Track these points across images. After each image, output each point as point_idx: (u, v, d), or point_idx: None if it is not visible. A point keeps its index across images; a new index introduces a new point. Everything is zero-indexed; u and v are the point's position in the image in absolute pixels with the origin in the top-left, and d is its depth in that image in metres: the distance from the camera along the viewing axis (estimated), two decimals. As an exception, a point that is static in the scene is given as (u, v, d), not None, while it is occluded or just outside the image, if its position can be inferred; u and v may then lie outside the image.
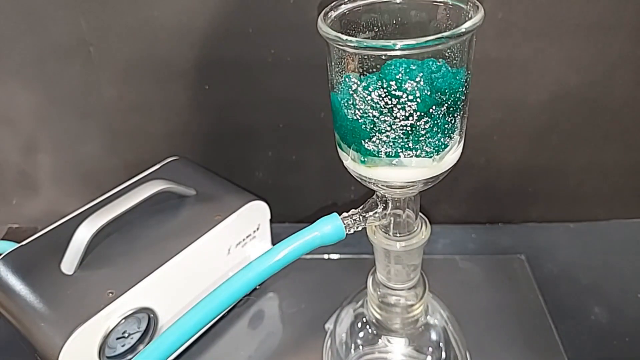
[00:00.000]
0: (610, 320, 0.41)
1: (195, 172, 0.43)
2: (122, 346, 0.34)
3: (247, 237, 0.40)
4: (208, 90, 0.45)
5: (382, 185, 0.26)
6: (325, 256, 0.47)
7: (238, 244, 0.39)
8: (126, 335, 0.34)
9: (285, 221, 0.53)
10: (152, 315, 0.34)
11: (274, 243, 0.43)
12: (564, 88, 0.44)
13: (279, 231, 0.49)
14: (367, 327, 0.33)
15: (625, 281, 0.44)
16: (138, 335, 0.34)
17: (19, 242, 0.37)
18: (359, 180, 0.27)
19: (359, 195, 0.52)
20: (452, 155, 0.25)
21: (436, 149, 0.24)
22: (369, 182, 0.26)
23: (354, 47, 0.22)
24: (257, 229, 0.41)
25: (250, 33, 0.42)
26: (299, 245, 0.27)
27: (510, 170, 0.49)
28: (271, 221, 0.42)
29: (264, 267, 0.27)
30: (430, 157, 0.24)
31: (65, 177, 0.52)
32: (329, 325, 0.39)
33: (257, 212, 0.40)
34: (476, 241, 0.49)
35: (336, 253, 0.48)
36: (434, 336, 0.33)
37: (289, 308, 0.43)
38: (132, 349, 0.34)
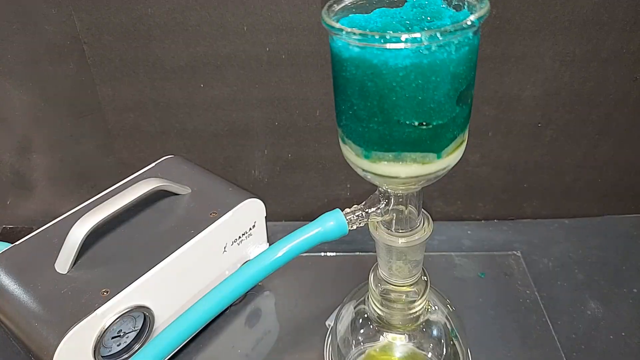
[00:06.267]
0: (606, 315, 0.41)
1: (191, 170, 0.43)
2: (118, 345, 0.34)
3: (243, 235, 0.40)
4: (203, 88, 0.45)
5: (385, 181, 0.25)
6: (322, 254, 0.47)
7: (234, 242, 0.39)
8: (121, 334, 0.33)
9: (282, 219, 0.53)
10: (147, 313, 0.34)
11: (270, 241, 0.43)
12: (557, 84, 0.44)
13: (275, 229, 0.49)
14: (369, 323, 0.33)
15: (620, 276, 0.44)
16: (134, 334, 0.34)
17: (13, 243, 0.37)
18: (362, 175, 0.26)
19: (355, 193, 0.52)
20: (456, 151, 0.25)
21: (441, 144, 0.23)
22: (372, 177, 0.26)
23: (357, 40, 0.21)
24: (253, 226, 0.41)
25: (245, 31, 0.42)
26: (302, 241, 0.27)
27: (505, 166, 0.49)
28: (267, 219, 0.42)
29: (266, 263, 0.27)
30: (435, 152, 0.24)
31: (60, 176, 0.52)
32: (329, 322, 0.39)
33: (252, 210, 0.40)
34: (472, 237, 0.49)
35: (332, 251, 0.48)
36: (435, 333, 0.33)
37: (285, 306, 0.43)
38: (128, 348, 0.34)
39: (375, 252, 0.31)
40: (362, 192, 0.51)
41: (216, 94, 0.46)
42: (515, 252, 0.47)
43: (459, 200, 0.51)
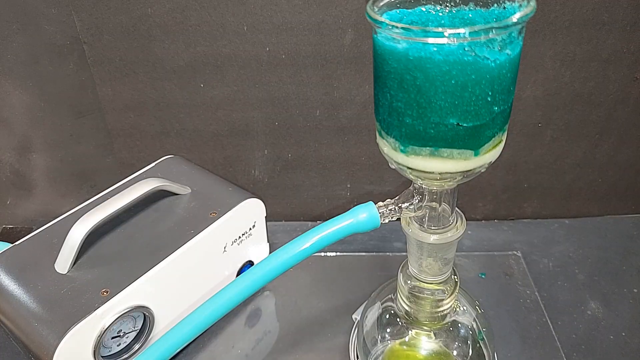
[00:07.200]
0: (606, 315, 0.41)
1: (191, 170, 0.43)
2: (118, 345, 0.34)
3: (243, 234, 0.40)
4: (203, 88, 0.45)
5: (420, 175, 0.25)
6: (322, 254, 0.47)
7: (234, 241, 0.39)
8: (121, 334, 0.33)
9: (282, 219, 0.53)
10: (147, 313, 0.34)
11: (270, 241, 0.43)
12: (558, 84, 0.44)
13: (275, 229, 0.49)
14: (396, 319, 0.33)
15: (620, 276, 0.44)
16: (134, 334, 0.34)
17: (13, 243, 0.37)
18: (397, 169, 0.26)
19: (355, 193, 0.52)
20: (494, 149, 0.24)
21: (479, 142, 0.23)
22: (407, 171, 0.26)
23: (399, 34, 0.21)
24: (253, 226, 0.41)
25: (245, 31, 0.42)
26: (333, 232, 0.27)
27: (505, 166, 0.49)
28: (267, 219, 0.42)
29: (296, 251, 0.27)
30: (472, 149, 0.23)
31: (60, 176, 0.51)
32: (356, 316, 0.39)
33: (252, 210, 0.40)
34: (472, 237, 0.49)
35: (333, 251, 0.48)
36: (461, 333, 0.33)
37: (285, 306, 0.42)
38: (128, 348, 0.34)
39: (406, 248, 0.31)
40: (363, 192, 0.51)
41: (216, 94, 0.46)
42: (515, 252, 0.47)
43: (458, 199, 0.51)
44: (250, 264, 0.42)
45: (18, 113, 0.47)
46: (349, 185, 0.51)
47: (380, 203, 0.28)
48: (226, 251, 0.39)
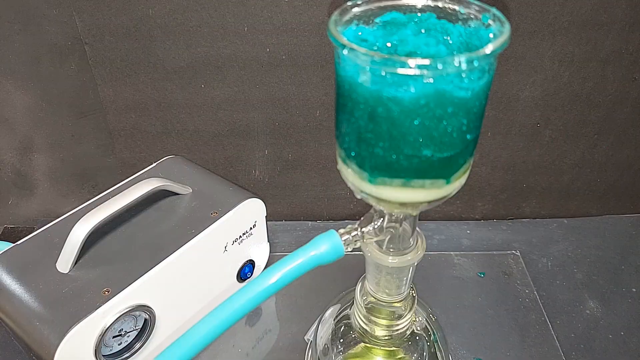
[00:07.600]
0: (604, 315, 0.41)
1: (192, 170, 0.43)
2: (119, 344, 0.34)
3: (244, 234, 0.40)
4: (204, 89, 0.46)
5: (386, 204, 0.24)
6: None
7: (234, 241, 0.39)
8: (123, 333, 0.34)
9: (282, 219, 0.53)
10: (148, 313, 0.34)
11: (270, 241, 0.43)
12: (556, 84, 0.44)
13: (275, 229, 0.50)
14: (351, 334, 0.32)
15: (619, 275, 0.44)
16: (135, 334, 0.34)
17: (14, 243, 0.37)
18: (359, 197, 0.25)
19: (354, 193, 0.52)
20: (464, 175, 0.23)
21: (451, 170, 0.22)
22: (370, 199, 0.24)
23: (364, 61, 0.19)
24: (254, 226, 0.41)
25: (246, 32, 0.42)
26: (295, 267, 0.26)
27: (504, 166, 0.49)
28: (267, 219, 0.42)
29: (258, 291, 0.26)
30: (445, 178, 0.22)
31: (62, 176, 0.52)
32: (309, 337, 0.39)
33: (253, 210, 0.40)
34: (471, 237, 0.49)
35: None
36: (418, 347, 0.32)
37: (285, 305, 0.43)
38: (129, 347, 0.34)
39: (365, 266, 0.30)
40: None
41: (217, 95, 0.46)
42: (514, 252, 0.47)
43: (458, 199, 0.51)
44: (250, 263, 0.42)
45: (20, 113, 0.48)
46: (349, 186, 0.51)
47: (342, 230, 0.27)
48: (227, 251, 0.39)
